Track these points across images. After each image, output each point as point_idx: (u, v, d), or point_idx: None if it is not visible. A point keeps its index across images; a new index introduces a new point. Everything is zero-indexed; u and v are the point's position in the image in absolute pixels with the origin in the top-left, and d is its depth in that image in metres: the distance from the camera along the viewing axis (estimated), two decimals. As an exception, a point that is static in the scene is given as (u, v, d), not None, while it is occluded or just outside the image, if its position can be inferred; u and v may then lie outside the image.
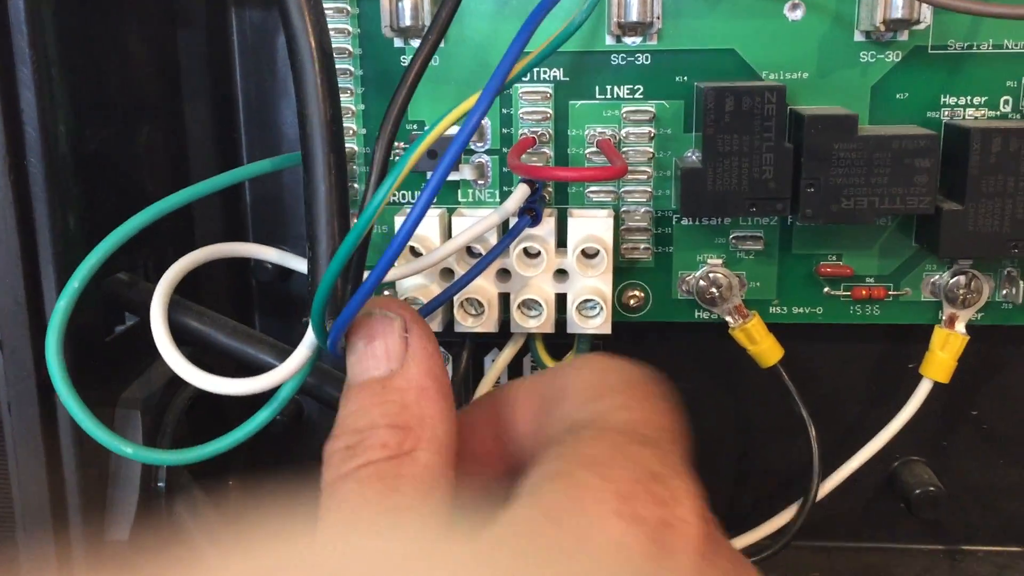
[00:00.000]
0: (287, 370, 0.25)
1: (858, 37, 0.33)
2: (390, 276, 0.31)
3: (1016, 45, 0.32)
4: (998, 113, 0.33)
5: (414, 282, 0.33)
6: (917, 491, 0.37)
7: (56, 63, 0.27)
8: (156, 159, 0.33)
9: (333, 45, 0.33)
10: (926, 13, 0.31)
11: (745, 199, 0.32)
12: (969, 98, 0.33)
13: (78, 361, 0.28)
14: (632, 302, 0.35)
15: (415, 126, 0.35)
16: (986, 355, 0.36)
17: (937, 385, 0.34)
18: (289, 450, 0.40)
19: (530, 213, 0.32)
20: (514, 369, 0.38)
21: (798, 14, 0.33)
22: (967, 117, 0.33)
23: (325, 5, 0.33)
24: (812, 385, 0.35)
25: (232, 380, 0.26)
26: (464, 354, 0.36)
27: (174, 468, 0.31)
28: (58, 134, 0.27)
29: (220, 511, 0.32)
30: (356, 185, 0.35)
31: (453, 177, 0.35)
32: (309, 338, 0.25)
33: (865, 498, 0.39)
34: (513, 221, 0.32)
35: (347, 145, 0.35)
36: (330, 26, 0.33)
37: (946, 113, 0.33)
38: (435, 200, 0.35)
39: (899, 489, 0.38)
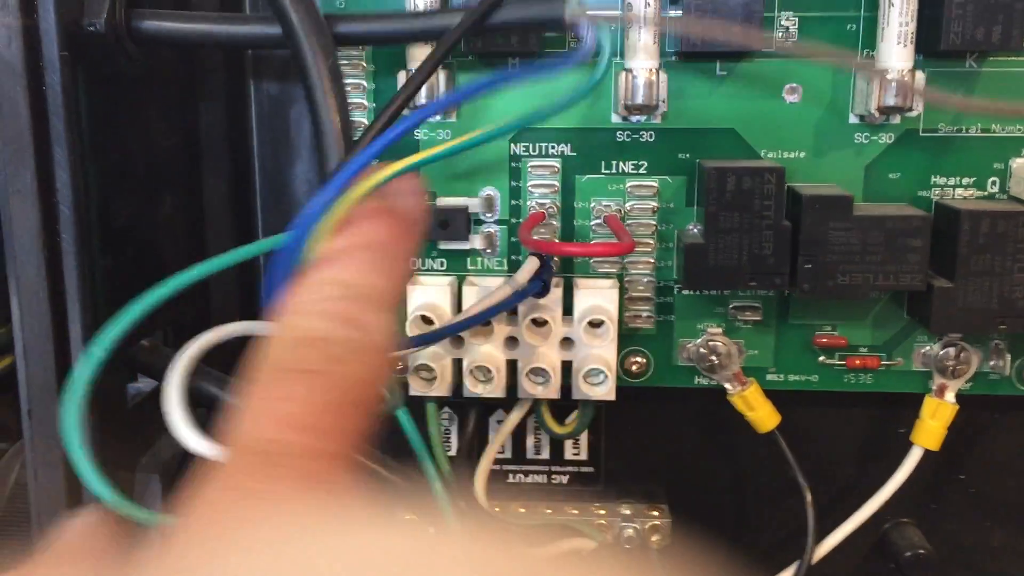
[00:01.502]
0: None
1: (852, 120, 0.34)
2: (404, 351, 0.32)
3: (1002, 130, 0.34)
4: (986, 193, 0.34)
5: (425, 351, 0.34)
6: (907, 553, 0.38)
7: (88, 143, 0.28)
8: (176, 228, 0.34)
9: (350, 119, 0.34)
10: (918, 101, 0.33)
11: (745, 273, 0.33)
12: (958, 179, 0.35)
13: (100, 425, 0.29)
14: (635, 368, 0.37)
15: (427, 196, 0.36)
16: (974, 423, 0.38)
17: (927, 452, 0.36)
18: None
19: (540, 283, 0.33)
20: (518, 432, 0.39)
21: (795, 97, 0.34)
22: (956, 197, 0.35)
23: (345, 83, 0.34)
24: (808, 449, 0.36)
25: None
26: (471, 418, 0.37)
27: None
28: (89, 210, 0.28)
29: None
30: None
31: (463, 246, 0.36)
32: None
33: (857, 560, 0.40)
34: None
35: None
36: (348, 101, 0.35)
37: (936, 192, 0.35)
38: (444, 266, 0.36)
39: (890, 551, 0.39)
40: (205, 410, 0.33)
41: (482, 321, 0.33)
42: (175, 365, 0.28)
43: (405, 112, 0.30)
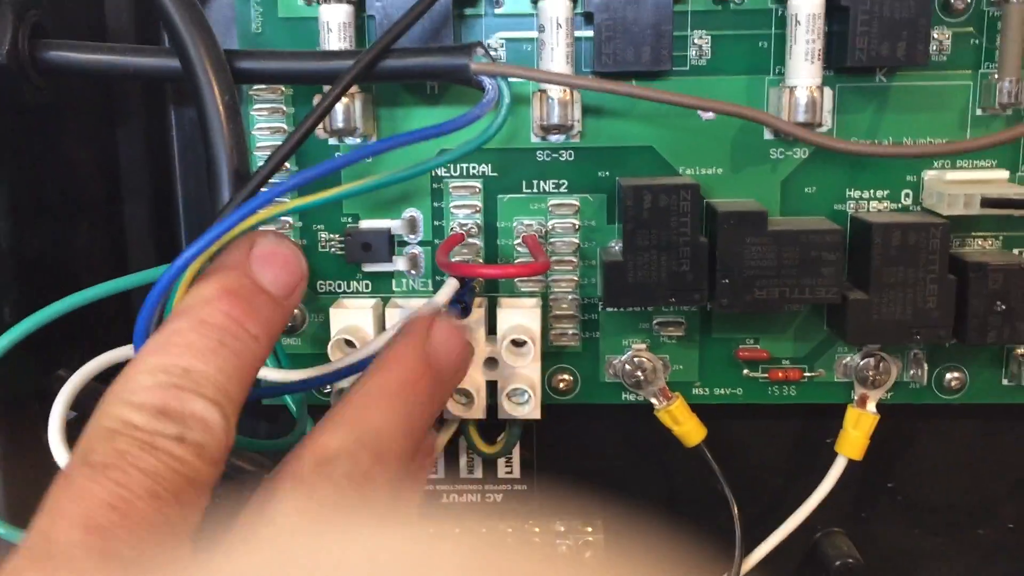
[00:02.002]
0: None
1: (767, 136, 0.35)
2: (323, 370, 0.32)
3: (915, 143, 0.35)
4: (899, 206, 0.35)
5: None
6: (837, 563, 0.38)
7: (-7, 173, 0.28)
8: (95, 257, 0.34)
9: (268, 143, 0.35)
10: (827, 117, 0.33)
11: (664, 290, 0.33)
12: (872, 191, 0.35)
13: (14, 452, 0.29)
14: (562, 385, 0.37)
15: (349, 219, 0.36)
16: (898, 431, 0.38)
17: (852, 461, 0.36)
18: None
19: (460, 304, 0.33)
20: (450, 452, 0.39)
21: (711, 114, 0.35)
22: (871, 209, 0.35)
23: (263, 106, 0.35)
24: (735, 462, 0.37)
25: None
26: (399, 439, 0.37)
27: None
28: (-2, 241, 0.28)
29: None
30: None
31: (387, 268, 0.36)
32: None
33: (790, 570, 0.40)
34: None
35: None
36: (266, 124, 0.35)
37: (851, 206, 0.35)
38: (369, 288, 0.36)
39: (821, 561, 0.39)
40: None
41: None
42: (64, 389, 0.28)
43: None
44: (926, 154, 0.34)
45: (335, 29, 0.33)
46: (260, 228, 0.24)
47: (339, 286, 0.36)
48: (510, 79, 0.29)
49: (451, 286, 0.33)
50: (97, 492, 0.20)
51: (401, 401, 0.25)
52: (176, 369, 0.21)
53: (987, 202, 0.32)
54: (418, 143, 0.28)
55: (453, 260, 0.34)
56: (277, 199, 0.24)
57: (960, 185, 0.33)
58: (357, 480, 0.23)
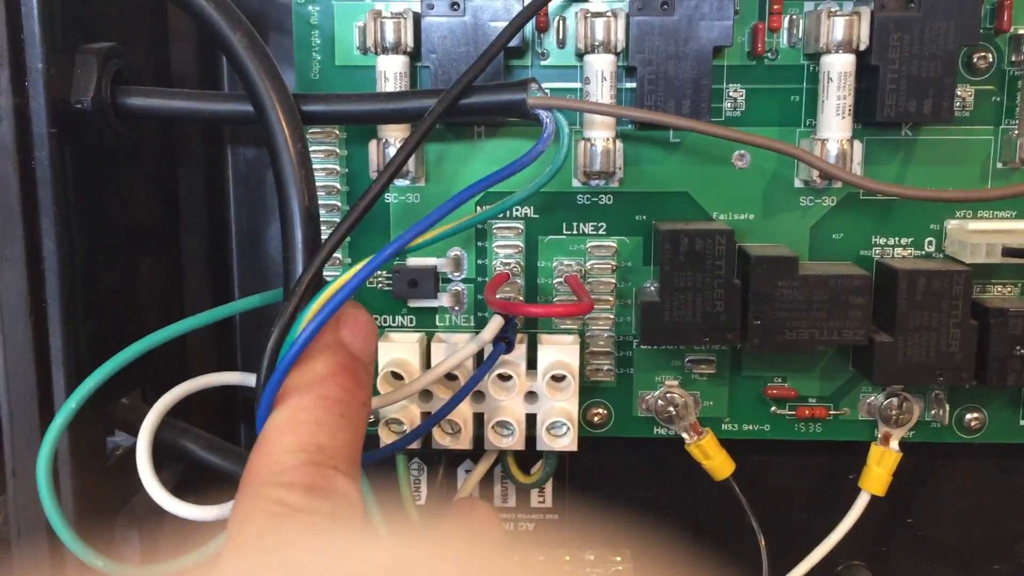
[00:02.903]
0: None
1: (797, 184, 0.36)
2: (376, 403, 0.34)
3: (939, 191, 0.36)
4: (923, 252, 0.37)
5: (395, 404, 0.36)
6: (859, 595, 0.40)
7: (73, 212, 0.30)
8: (155, 289, 0.36)
9: (324, 183, 0.36)
10: (856, 168, 0.35)
11: (698, 330, 0.35)
12: (897, 239, 0.37)
13: (80, 481, 0.30)
14: (596, 419, 0.38)
15: (397, 257, 0.38)
16: (919, 469, 0.40)
17: (875, 497, 0.37)
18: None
19: (504, 341, 0.35)
20: (485, 481, 0.41)
21: (744, 163, 0.36)
22: (896, 255, 0.37)
23: (317, 148, 0.36)
24: (761, 495, 0.38)
25: (195, 507, 0.28)
26: (440, 469, 0.39)
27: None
28: (73, 275, 0.30)
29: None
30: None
31: (431, 304, 0.38)
32: None
33: (812, 601, 0.41)
34: (488, 349, 0.35)
35: (331, 272, 0.37)
36: (321, 167, 0.37)
37: (877, 252, 0.37)
38: (414, 323, 0.38)
39: (843, 593, 0.41)
40: (184, 465, 0.35)
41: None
42: (146, 422, 0.29)
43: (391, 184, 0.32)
44: (952, 199, 0.36)
45: (391, 78, 0.34)
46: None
47: (385, 320, 0.38)
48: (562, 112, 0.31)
49: (496, 323, 0.34)
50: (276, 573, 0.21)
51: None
52: (313, 447, 0.24)
53: (1008, 252, 0.34)
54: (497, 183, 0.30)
55: (500, 298, 0.36)
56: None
57: (982, 235, 0.35)
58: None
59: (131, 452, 0.34)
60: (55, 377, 0.29)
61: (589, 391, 0.38)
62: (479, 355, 0.36)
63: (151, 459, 0.29)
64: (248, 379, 0.32)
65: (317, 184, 0.37)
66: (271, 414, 0.25)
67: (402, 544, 0.22)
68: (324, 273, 0.37)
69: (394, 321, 0.38)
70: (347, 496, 0.23)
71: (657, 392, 0.38)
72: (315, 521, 0.22)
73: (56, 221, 0.29)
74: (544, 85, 0.36)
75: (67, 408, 0.27)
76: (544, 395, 0.35)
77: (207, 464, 0.32)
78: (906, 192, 0.33)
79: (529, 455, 0.39)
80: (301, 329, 0.26)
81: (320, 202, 0.36)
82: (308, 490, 0.23)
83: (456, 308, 0.38)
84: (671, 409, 0.37)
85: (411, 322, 0.38)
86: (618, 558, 0.40)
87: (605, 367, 0.38)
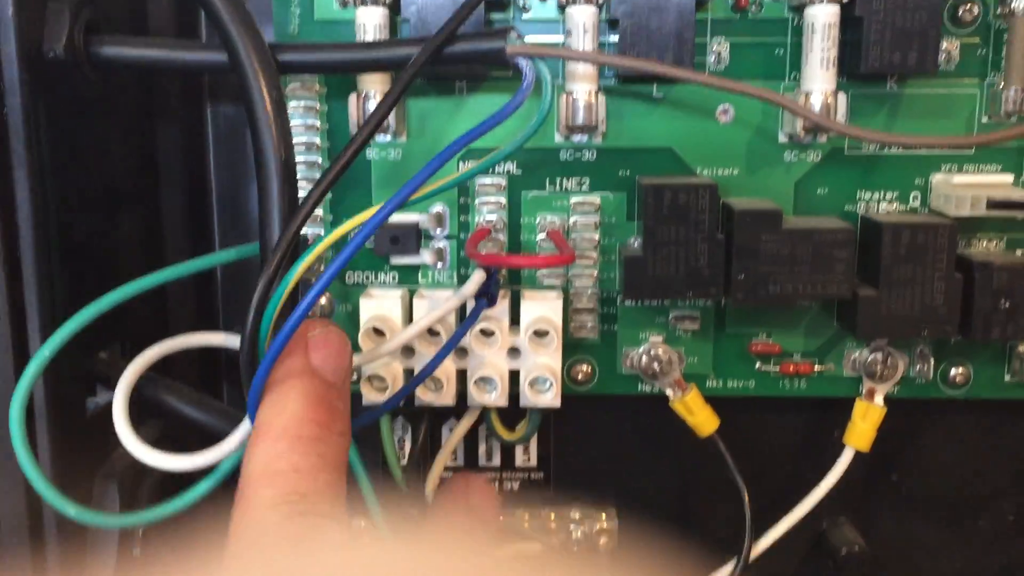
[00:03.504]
0: (228, 446, 0.28)
1: (782, 139, 0.36)
2: (357, 360, 0.34)
3: (923, 149, 0.36)
4: (908, 207, 0.37)
5: (377, 361, 0.35)
6: (843, 551, 0.40)
7: (48, 163, 0.29)
8: (133, 246, 0.35)
9: (304, 139, 0.36)
10: (841, 121, 0.35)
11: (682, 284, 0.35)
12: (882, 193, 0.37)
13: (59, 435, 0.30)
14: (580, 376, 0.38)
15: (379, 213, 0.37)
16: (903, 426, 0.40)
17: (859, 453, 0.37)
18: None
19: (486, 296, 0.35)
20: (469, 441, 0.41)
21: (728, 118, 0.36)
22: (881, 211, 0.37)
23: (297, 103, 0.36)
24: (746, 453, 0.38)
25: (175, 457, 0.28)
26: (423, 426, 0.38)
27: (150, 536, 0.33)
28: (48, 227, 0.29)
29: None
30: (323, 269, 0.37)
31: (414, 261, 0.37)
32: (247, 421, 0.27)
33: (797, 559, 0.42)
34: (471, 304, 0.35)
35: (313, 230, 0.37)
36: (301, 123, 0.36)
37: (862, 207, 0.37)
38: (396, 280, 0.38)
39: (827, 549, 0.41)
40: (163, 421, 0.35)
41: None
42: (125, 376, 0.29)
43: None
44: (939, 145, 0.35)
45: (371, 31, 0.34)
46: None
47: (367, 278, 0.38)
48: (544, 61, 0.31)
49: (478, 278, 0.34)
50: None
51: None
52: (295, 496, 0.23)
53: (993, 204, 0.34)
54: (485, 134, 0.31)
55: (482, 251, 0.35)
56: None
57: (967, 188, 0.35)
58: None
59: (109, 408, 0.34)
60: (30, 328, 0.29)
61: (573, 348, 0.38)
62: (462, 311, 0.35)
63: (127, 410, 0.29)
64: (232, 340, 0.32)
65: (297, 141, 0.36)
66: (248, 460, 0.25)
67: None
68: (308, 231, 0.37)
69: (376, 278, 0.38)
70: (335, 543, 0.23)
71: (641, 348, 0.38)
72: None
73: (30, 171, 0.28)
74: (526, 38, 0.36)
75: (40, 356, 0.27)
76: (527, 351, 0.35)
77: (189, 419, 0.32)
78: (892, 139, 0.32)
79: (513, 413, 0.39)
80: (277, 312, 0.26)
81: (300, 159, 0.36)
82: (296, 545, 0.23)
83: (439, 265, 0.38)
84: (655, 365, 0.37)
85: (393, 279, 0.38)
86: (603, 515, 0.40)
87: (589, 324, 0.38)
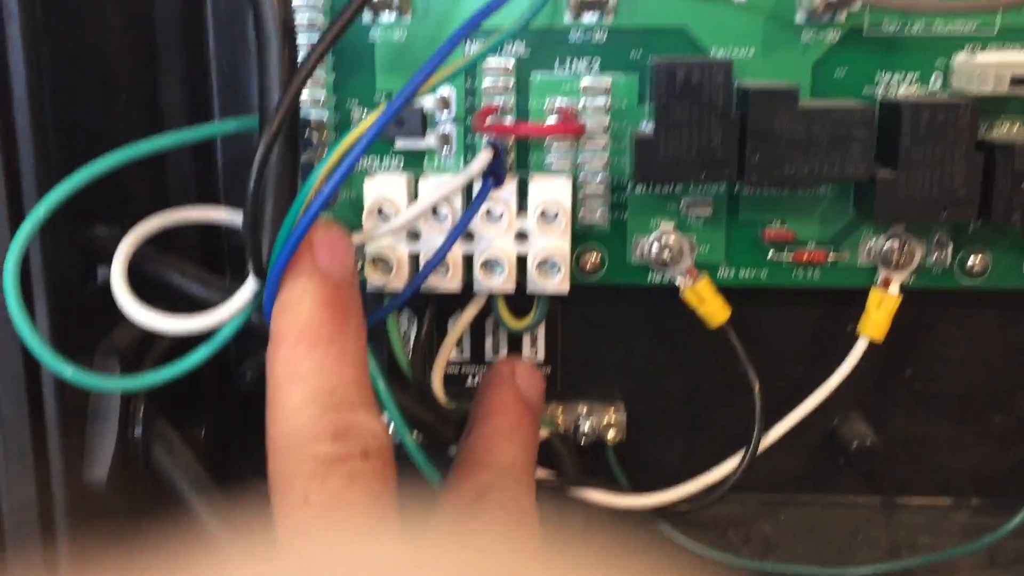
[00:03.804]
0: (228, 311, 0.27)
1: (799, 18, 0.35)
2: (358, 240, 0.33)
3: (945, 28, 0.35)
4: (929, 89, 0.35)
5: (381, 241, 0.35)
6: (855, 444, 0.39)
7: (42, 31, 0.28)
8: (132, 126, 0.35)
9: (306, 18, 0.35)
10: (860, -4, 0.34)
11: (695, 165, 0.34)
12: (903, 74, 0.35)
13: (59, 309, 0.29)
14: (588, 266, 0.37)
15: (383, 95, 0.36)
16: (918, 318, 0.39)
17: (873, 346, 0.37)
18: (258, 406, 0.41)
19: (493, 175, 0.34)
20: (477, 329, 0.40)
21: (744, -6, 0.35)
22: (901, 92, 0.35)
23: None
24: (756, 347, 0.37)
25: (172, 318, 0.27)
26: (428, 314, 0.38)
27: (150, 415, 0.33)
28: (43, 96, 0.29)
29: (195, 458, 0.34)
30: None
31: (419, 146, 0.36)
32: (250, 282, 0.27)
33: (807, 454, 0.41)
34: (477, 186, 0.34)
35: (317, 114, 0.36)
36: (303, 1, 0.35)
37: (881, 89, 0.35)
38: (401, 165, 0.37)
39: (838, 444, 0.40)
40: (167, 303, 0.34)
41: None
42: (123, 243, 0.29)
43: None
44: (964, 9, 0.34)
45: None
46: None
47: (371, 163, 0.37)
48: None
49: (485, 155, 0.33)
50: (335, 529, 0.22)
51: (520, 437, 0.32)
52: (323, 394, 0.24)
53: (1017, 80, 0.33)
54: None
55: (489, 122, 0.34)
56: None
57: (990, 65, 0.34)
58: (508, 506, 0.29)
59: (109, 287, 0.33)
60: (26, 197, 0.28)
61: (582, 237, 0.37)
62: (467, 197, 0.35)
63: (125, 275, 0.28)
64: (236, 217, 0.31)
65: (299, 22, 0.35)
66: (272, 368, 0.25)
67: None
68: (312, 115, 0.36)
69: (380, 164, 0.37)
70: (371, 429, 0.24)
71: (652, 236, 0.37)
72: (351, 467, 0.23)
73: (22, 30, 0.27)
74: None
75: (35, 214, 0.26)
76: (535, 233, 0.35)
77: (190, 296, 0.32)
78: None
79: (520, 305, 0.38)
80: (311, 198, 0.26)
81: (302, 38, 0.35)
82: (334, 438, 0.23)
83: (444, 150, 0.37)
84: (666, 254, 0.36)
85: (398, 164, 0.37)
86: (611, 409, 0.40)
87: (598, 211, 0.37)
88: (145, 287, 0.31)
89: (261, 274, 0.28)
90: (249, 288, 0.28)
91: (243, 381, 0.39)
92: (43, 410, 0.29)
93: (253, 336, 0.29)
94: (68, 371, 0.27)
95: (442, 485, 0.31)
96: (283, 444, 0.24)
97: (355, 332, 0.26)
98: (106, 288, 0.33)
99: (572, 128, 0.31)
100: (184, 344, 0.30)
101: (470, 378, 0.41)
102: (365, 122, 0.29)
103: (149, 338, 0.33)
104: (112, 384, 0.29)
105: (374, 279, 0.35)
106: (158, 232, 0.30)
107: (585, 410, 0.40)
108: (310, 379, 0.25)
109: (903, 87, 0.35)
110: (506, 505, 0.29)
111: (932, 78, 0.35)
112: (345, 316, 0.26)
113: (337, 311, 0.26)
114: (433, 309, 0.38)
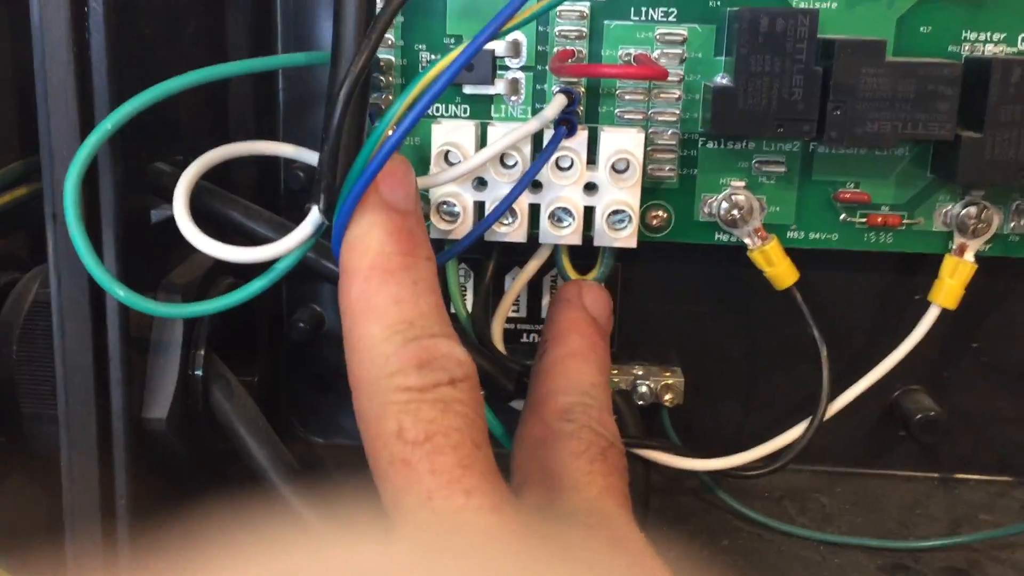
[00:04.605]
0: (288, 244, 0.27)
1: (887, -30, 0.34)
2: (423, 184, 0.32)
3: (1038, -21, 0.34)
4: (1017, 50, 0.34)
5: (448, 188, 0.34)
6: (918, 416, 0.38)
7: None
8: (198, 58, 0.34)
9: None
10: (956, -56, 0.33)
11: (773, 119, 0.33)
12: (989, 34, 0.34)
13: (125, 245, 0.29)
14: (655, 222, 0.36)
15: (452, 40, 0.36)
16: (991, 288, 0.38)
17: (942, 316, 0.35)
18: (309, 357, 0.41)
19: (566, 124, 0.33)
20: (535, 290, 0.39)
21: (831, -55, 0.34)
22: (986, 52, 0.34)
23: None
24: (822, 311, 0.36)
25: (235, 248, 0.27)
26: (491, 264, 0.37)
27: (209, 356, 0.32)
28: (116, 10, 0.28)
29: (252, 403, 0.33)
30: (392, 97, 0.36)
31: (487, 91, 0.36)
32: (313, 216, 0.26)
33: (867, 426, 0.40)
34: (548, 134, 0.33)
35: (385, 55, 0.35)
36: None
37: (967, 48, 0.34)
38: (468, 112, 0.36)
39: (900, 415, 0.39)
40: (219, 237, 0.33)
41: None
42: (186, 174, 0.28)
43: None
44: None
45: None
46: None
47: (437, 109, 0.36)
48: None
49: (559, 101, 0.32)
50: (443, 462, 0.22)
51: (594, 357, 0.32)
52: (403, 325, 0.24)
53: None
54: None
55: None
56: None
57: (1085, 26, 0.33)
58: (593, 427, 0.29)
59: (170, 222, 0.32)
60: (97, 113, 0.28)
61: (650, 192, 0.36)
62: (536, 146, 0.34)
63: (187, 205, 0.27)
64: (301, 153, 0.30)
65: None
66: (346, 304, 0.25)
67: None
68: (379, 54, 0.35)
69: (446, 110, 0.36)
70: (455, 357, 0.24)
71: (721, 195, 0.36)
72: (441, 395, 0.23)
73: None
74: None
75: (102, 127, 0.25)
76: (605, 185, 0.34)
77: (250, 231, 0.31)
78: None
79: (583, 262, 0.37)
80: (393, 125, 0.25)
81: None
82: (419, 368, 0.23)
83: (513, 98, 0.36)
84: (735, 212, 0.35)
85: (465, 112, 0.36)
86: (667, 373, 0.39)
87: (667, 166, 0.36)
88: (202, 224, 0.30)
89: (331, 210, 0.27)
90: (311, 223, 0.28)
91: (296, 329, 0.39)
92: (106, 341, 0.29)
93: (307, 284, 0.28)
94: (120, 292, 0.26)
95: (513, 432, 0.30)
96: (368, 379, 0.23)
97: (426, 260, 0.26)
98: (164, 228, 0.32)
99: (654, 71, 0.30)
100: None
101: (525, 335, 0.40)
102: (439, 65, 0.28)
103: (208, 278, 0.33)
104: (166, 311, 0.28)
105: (439, 226, 0.34)
106: (223, 162, 0.29)
107: (640, 372, 0.39)
108: (387, 311, 0.24)
109: (989, 47, 0.34)
110: (592, 426, 0.29)
111: (1020, 39, 0.34)
112: (413, 245, 0.25)
113: (405, 241, 0.25)
114: (496, 258, 0.37)
